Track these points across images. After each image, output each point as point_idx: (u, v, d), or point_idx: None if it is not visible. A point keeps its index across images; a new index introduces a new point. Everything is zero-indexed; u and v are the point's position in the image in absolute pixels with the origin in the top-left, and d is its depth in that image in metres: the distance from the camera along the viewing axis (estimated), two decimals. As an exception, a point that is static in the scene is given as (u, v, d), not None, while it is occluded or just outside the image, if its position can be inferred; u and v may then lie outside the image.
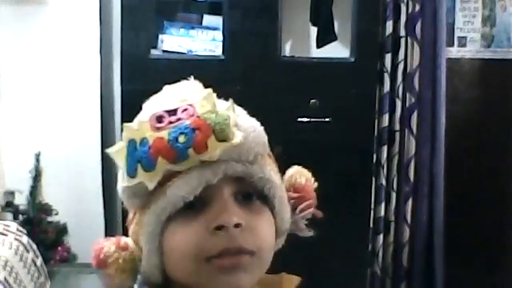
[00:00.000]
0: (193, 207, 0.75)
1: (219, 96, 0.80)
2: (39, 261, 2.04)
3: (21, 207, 2.91)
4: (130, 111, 0.81)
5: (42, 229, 2.87)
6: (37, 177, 2.95)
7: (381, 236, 3.00)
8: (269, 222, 0.80)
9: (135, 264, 0.80)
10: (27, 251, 1.98)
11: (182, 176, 0.75)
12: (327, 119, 2.78)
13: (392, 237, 3.03)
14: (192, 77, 0.84)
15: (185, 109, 0.76)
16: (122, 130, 0.77)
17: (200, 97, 0.78)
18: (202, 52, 2.89)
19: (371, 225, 2.98)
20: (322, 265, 2.71)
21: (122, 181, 0.78)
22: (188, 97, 0.79)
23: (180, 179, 0.75)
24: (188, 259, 0.75)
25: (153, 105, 0.80)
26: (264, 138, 0.80)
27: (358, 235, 2.88)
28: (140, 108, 0.81)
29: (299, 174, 0.88)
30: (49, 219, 2.94)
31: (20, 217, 2.89)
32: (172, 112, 0.76)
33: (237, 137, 0.75)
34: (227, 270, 0.75)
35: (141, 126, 0.76)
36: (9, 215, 2.92)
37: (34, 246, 2.05)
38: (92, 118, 2.95)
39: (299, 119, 2.78)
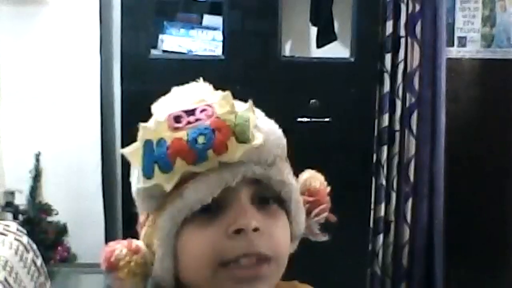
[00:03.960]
0: (210, 210, 0.73)
1: None
2: (39, 261, 2.04)
3: (21, 207, 2.91)
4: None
5: (42, 229, 2.87)
6: (37, 177, 2.95)
7: (381, 236, 3.00)
8: (285, 226, 0.78)
9: (147, 267, 0.77)
10: (27, 251, 1.98)
11: (200, 178, 0.73)
12: (327, 119, 2.79)
13: (392, 237, 3.03)
14: (201, 79, 0.82)
15: (204, 109, 0.75)
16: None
17: (218, 98, 0.76)
18: (202, 52, 2.89)
19: (371, 225, 2.98)
20: (322, 265, 2.71)
21: (138, 183, 0.76)
22: (205, 97, 0.77)
23: (198, 181, 0.73)
24: (204, 264, 0.73)
25: (168, 106, 0.77)
26: (283, 140, 0.80)
27: (358, 235, 2.87)
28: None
29: (314, 178, 0.87)
30: (49, 219, 2.94)
31: (20, 217, 2.89)
32: (191, 112, 0.75)
33: (258, 139, 0.74)
34: (246, 280, 0.73)
35: (158, 126, 0.74)
36: (9, 215, 2.92)
37: (34, 246, 2.04)
38: (92, 118, 2.94)
39: (299, 119, 2.78)
